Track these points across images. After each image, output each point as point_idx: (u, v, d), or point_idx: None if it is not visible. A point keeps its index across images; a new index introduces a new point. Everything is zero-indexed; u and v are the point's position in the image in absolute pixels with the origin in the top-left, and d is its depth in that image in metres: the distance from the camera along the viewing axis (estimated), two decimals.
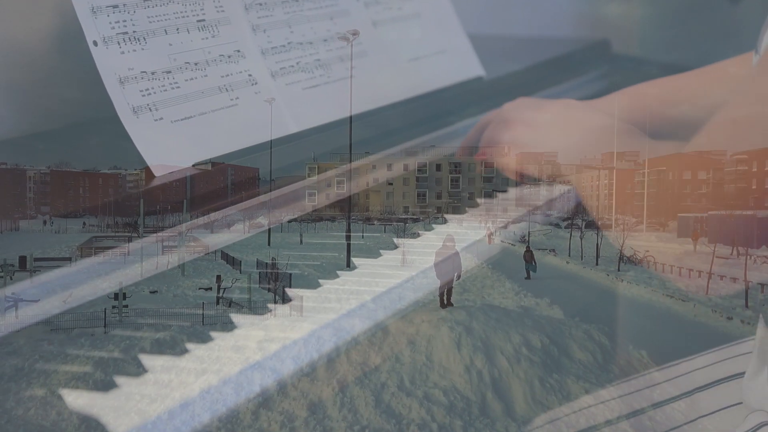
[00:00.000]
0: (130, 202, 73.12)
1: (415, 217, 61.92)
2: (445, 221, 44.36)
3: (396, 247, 22.42)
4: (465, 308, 8.29)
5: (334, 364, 7.21)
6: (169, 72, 1.75)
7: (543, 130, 1.77)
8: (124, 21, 1.67)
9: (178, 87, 1.76)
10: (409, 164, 69.25)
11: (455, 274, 8.17)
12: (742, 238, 22.63)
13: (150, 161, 1.70)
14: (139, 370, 7.78)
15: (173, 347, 9.03)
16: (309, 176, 65.81)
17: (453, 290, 8.54)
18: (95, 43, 1.63)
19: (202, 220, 41.07)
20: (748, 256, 18.03)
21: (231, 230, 40.57)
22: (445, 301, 8.31)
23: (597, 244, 21.42)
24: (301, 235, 36.48)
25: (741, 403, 1.00)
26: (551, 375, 6.76)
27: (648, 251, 20.97)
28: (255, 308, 12.74)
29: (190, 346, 9.12)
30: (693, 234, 27.99)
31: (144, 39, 1.70)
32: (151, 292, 15.55)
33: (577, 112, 1.74)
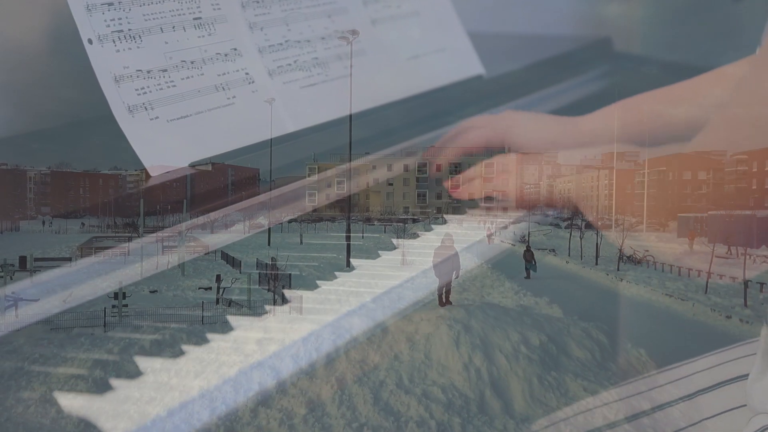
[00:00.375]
0: (130, 202, 73.21)
1: (415, 217, 61.93)
2: (444, 222, 44.37)
3: (395, 248, 22.49)
4: (464, 307, 8.31)
5: (333, 363, 7.22)
6: (165, 70, 1.73)
7: (532, 145, 1.77)
8: (120, 19, 1.65)
9: (174, 86, 1.74)
10: (408, 164, 69.29)
11: (454, 273, 8.20)
12: (740, 238, 22.66)
13: (146, 161, 1.69)
14: (138, 370, 7.79)
15: (172, 346, 9.06)
16: (309, 176, 65.82)
17: (452, 289, 8.56)
18: (90, 42, 1.62)
19: (201, 220, 41.11)
20: (748, 256, 18.05)
21: (231, 230, 40.62)
22: (444, 300, 8.33)
23: (596, 244, 21.45)
24: (301, 236, 36.50)
25: (745, 405, 0.98)
26: (549, 373, 6.78)
27: (647, 251, 21.00)
28: (254, 308, 12.76)
29: (189, 345, 9.15)
30: (689, 234, 28.04)
31: (139, 37, 1.69)
32: (150, 292, 15.57)
33: (567, 131, 1.73)
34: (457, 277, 8.35)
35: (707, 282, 14.26)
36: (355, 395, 6.51)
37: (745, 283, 12.43)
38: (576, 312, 10.64)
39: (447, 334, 7.24)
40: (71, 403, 6.94)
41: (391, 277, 13.98)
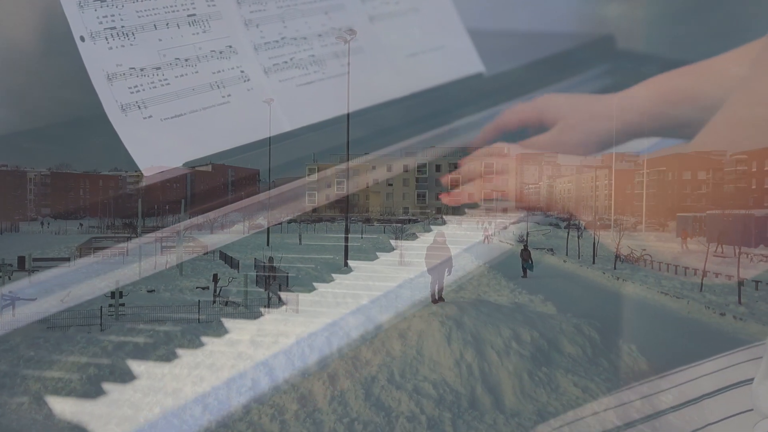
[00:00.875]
0: (129, 203, 73.25)
1: (414, 218, 61.90)
2: (444, 222, 44.34)
3: (393, 249, 22.59)
4: (456, 303, 8.34)
5: (325, 359, 7.26)
6: (159, 68, 1.69)
7: (574, 126, 1.78)
8: (112, 15, 1.61)
9: (168, 84, 1.70)
10: (408, 164, 69.28)
11: (446, 270, 8.24)
12: (733, 237, 22.67)
13: (139, 160, 1.65)
14: (133, 369, 7.83)
15: (167, 344, 9.11)
16: (309, 177, 65.80)
17: (445, 287, 8.59)
18: (82, 39, 1.59)
19: (199, 219, 41.15)
20: (745, 255, 18.01)
21: (230, 231, 40.67)
22: (437, 297, 8.37)
23: (594, 244, 21.49)
24: (299, 236, 36.52)
25: (751, 410, 0.97)
26: (540, 368, 6.81)
27: (644, 250, 21.02)
28: (251, 308, 12.80)
29: (184, 342, 9.20)
30: (682, 233, 28.13)
31: (132, 34, 1.65)
32: (148, 291, 15.61)
33: (603, 106, 1.75)
34: (449, 274, 8.40)
35: (702, 280, 14.29)
36: (347, 391, 6.54)
37: (740, 281, 12.46)
38: (570, 309, 10.67)
39: (439, 330, 7.28)
40: (64, 402, 6.97)
41: (388, 279, 14.03)
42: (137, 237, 25.07)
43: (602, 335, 8.01)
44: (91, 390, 7.28)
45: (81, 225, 55.74)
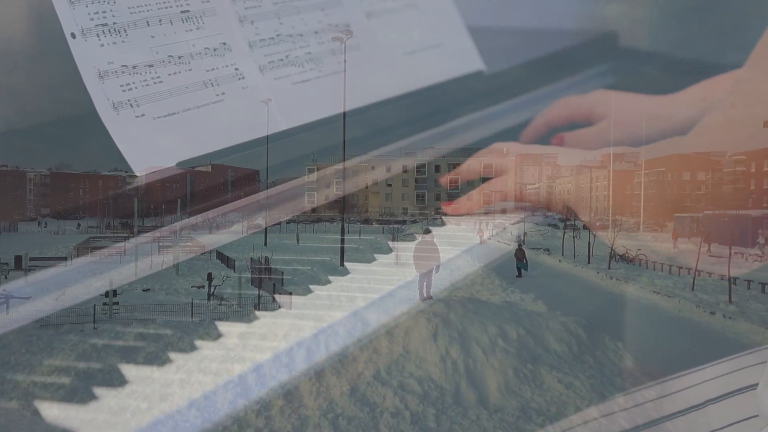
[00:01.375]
0: (129, 203, 73.26)
1: (413, 218, 61.90)
2: (443, 223, 44.31)
3: (391, 250, 22.70)
4: (443, 300, 8.39)
5: (313, 358, 7.31)
6: (152, 66, 1.68)
7: (626, 125, 1.80)
8: (104, 12, 1.59)
9: (161, 82, 1.68)
10: (407, 165, 69.30)
11: (434, 268, 8.30)
12: (723, 237, 22.72)
13: (131, 160, 1.64)
14: (126, 367, 7.88)
15: (157, 341, 9.16)
16: (308, 177, 65.80)
17: (432, 283, 8.65)
18: (73, 36, 1.58)
19: (197, 219, 41.20)
20: (740, 255, 18.06)
21: (229, 231, 40.74)
22: (425, 295, 8.42)
23: (589, 243, 21.54)
24: (297, 236, 36.55)
25: (756, 416, 0.95)
26: (525, 365, 6.86)
27: (640, 249, 21.07)
28: (244, 306, 12.86)
29: (174, 341, 9.26)
30: (673, 233, 28.32)
31: (125, 31, 1.63)
32: (143, 290, 15.66)
33: (655, 107, 1.76)
34: (437, 272, 8.46)
35: (694, 279, 14.34)
36: (333, 388, 6.59)
37: (730, 280, 12.50)
38: (561, 308, 10.71)
39: (425, 327, 7.33)
40: (52, 399, 7.01)
41: (382, 280, 14.09)
42: (134, 237, 25.13)
43: (589, 333, 8.05)
44: (80, 386, 7.33)
45: (79, 225, 55.73)
